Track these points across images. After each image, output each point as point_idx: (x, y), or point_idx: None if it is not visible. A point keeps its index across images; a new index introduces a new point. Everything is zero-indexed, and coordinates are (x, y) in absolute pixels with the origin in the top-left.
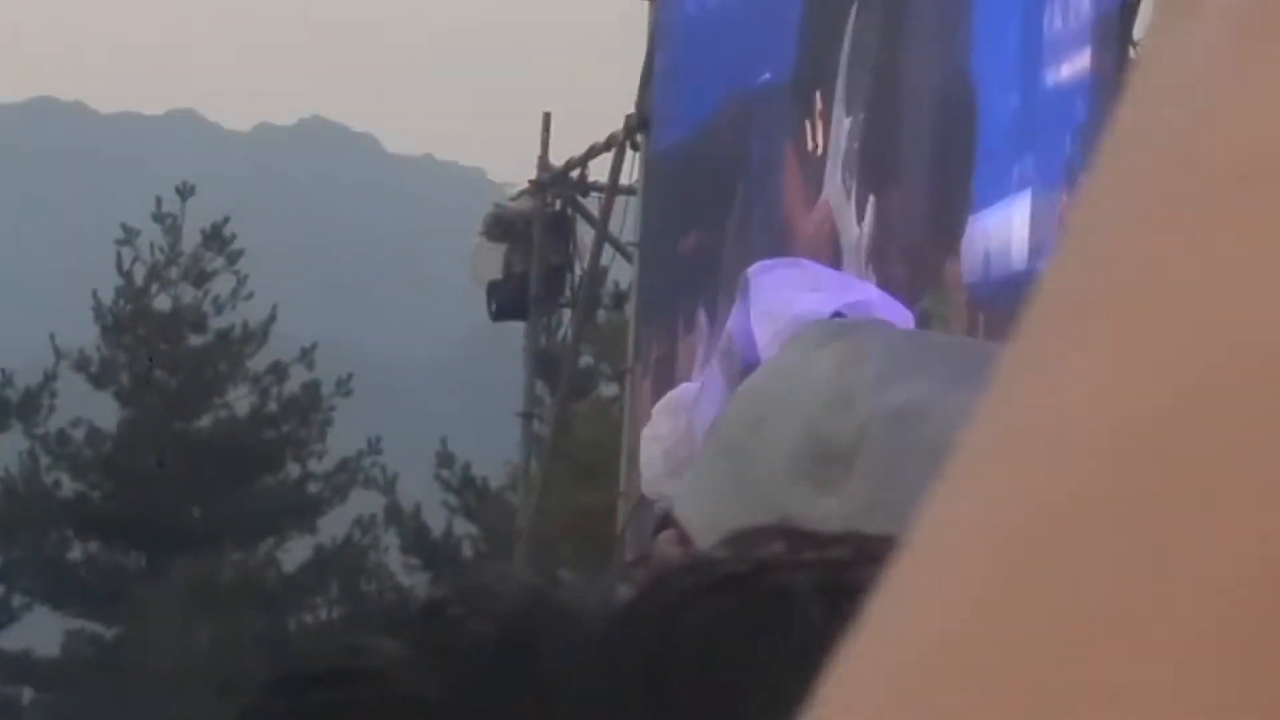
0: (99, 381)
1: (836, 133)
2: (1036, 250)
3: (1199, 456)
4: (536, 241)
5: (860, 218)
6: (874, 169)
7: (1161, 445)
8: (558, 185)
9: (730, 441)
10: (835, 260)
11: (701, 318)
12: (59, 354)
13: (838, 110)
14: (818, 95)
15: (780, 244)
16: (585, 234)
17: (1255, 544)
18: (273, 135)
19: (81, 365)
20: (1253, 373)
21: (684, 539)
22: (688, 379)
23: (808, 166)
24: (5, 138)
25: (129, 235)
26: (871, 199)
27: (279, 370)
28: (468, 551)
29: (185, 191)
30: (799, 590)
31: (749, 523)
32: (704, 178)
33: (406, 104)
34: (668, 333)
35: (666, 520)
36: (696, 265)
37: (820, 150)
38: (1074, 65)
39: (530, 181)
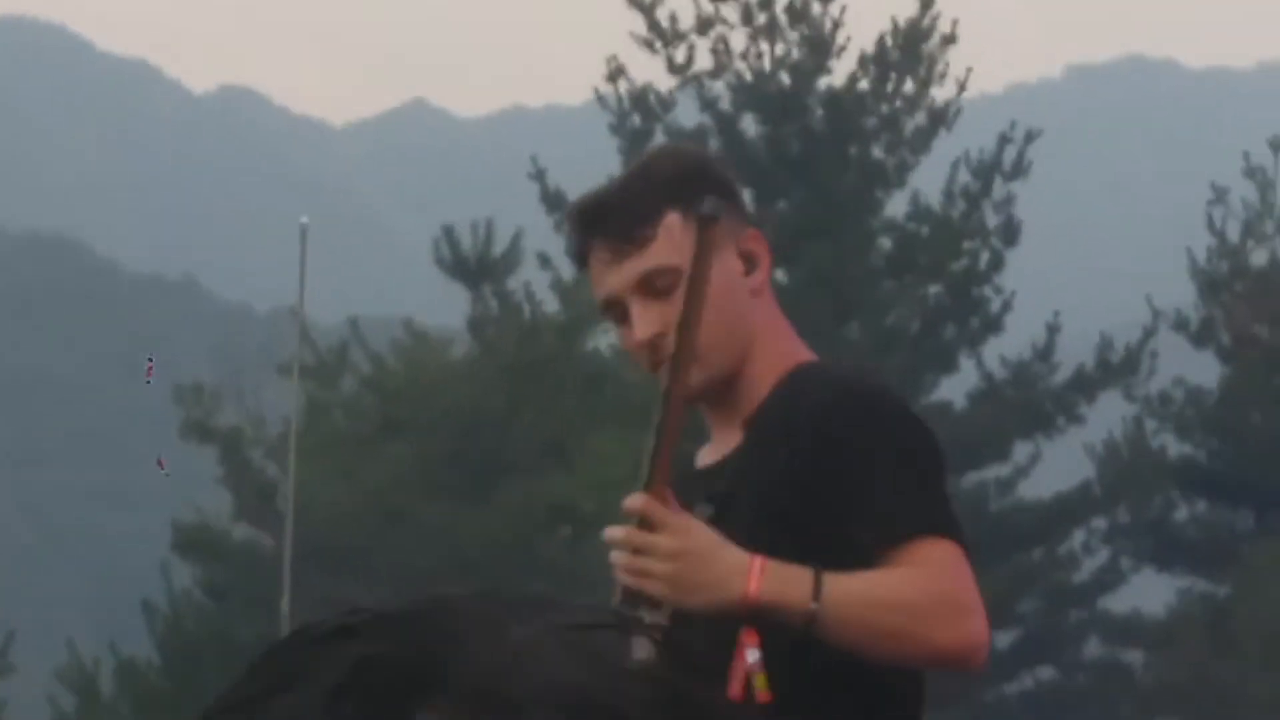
0: (1199, 340)
1: None
2: None
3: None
4: None
5: None
6: None
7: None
8: None
9: None
10: None
11: None
12: (1157, 314)
13: None
14: None
15: None
16: None
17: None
18: None
19: (1180, 325)
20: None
21: None
22: None
23: None
24: (1098, 98)
25: (1219, 194)
26: None
27: None
28: None
29: (1277, 144)
30: None
31: None
32: None
33: None
34: None
35: None
36: None
37: None
38: None
39: None
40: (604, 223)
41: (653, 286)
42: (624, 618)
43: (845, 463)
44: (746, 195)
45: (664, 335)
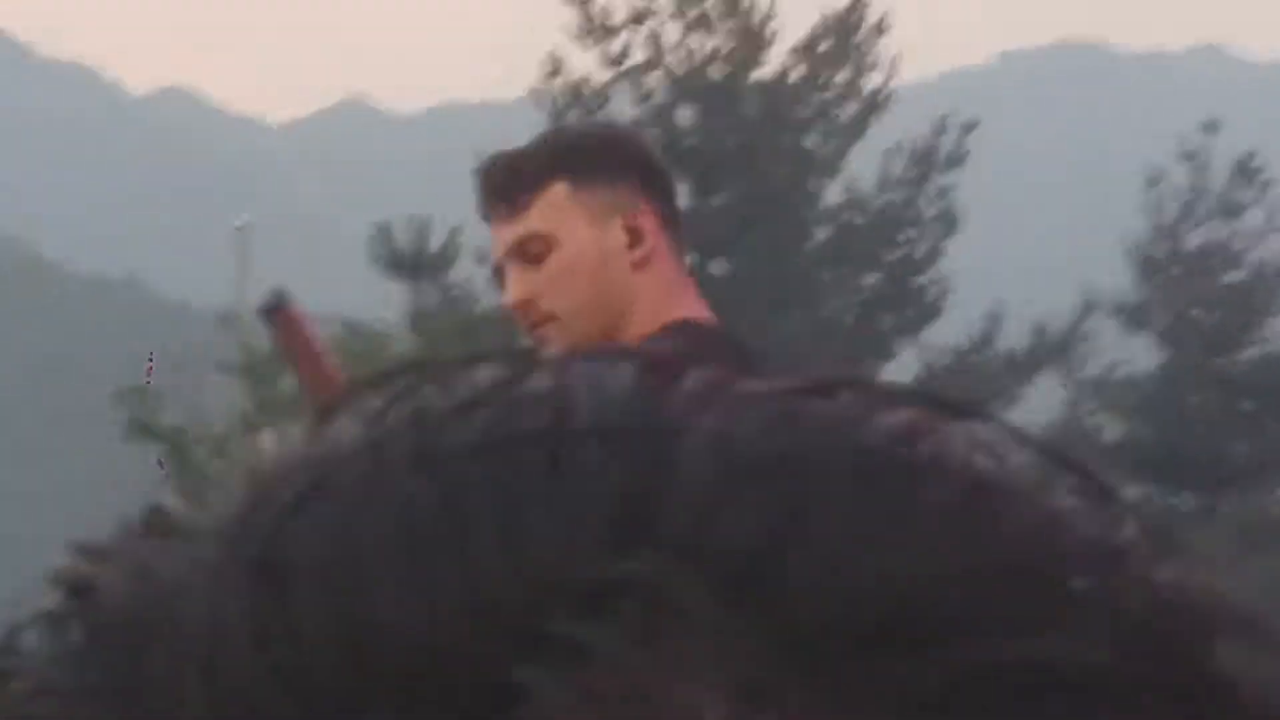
0: (1136, 323)
1: None
2: None
3: None
4: None
5: None
6: None
7: None
8: None
9: None
10: None
11: None
12: (1094, 298)
13: None
14: None
15: None
16: None
17: None
18: None
19: (1118, 309)
20: None
21: None
22: None
23: None
24: (1032, 84)
25: (1154, 177)
26: None
27: None
28: None
29: (1211, 127)
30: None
31: None
32: None
33: None
34: None
35: None
36: None
37: None
38: None
39: None
40: (497, 185)
41: (525, 252)
42: None
43: None
44: (683, 188)
45: (529, 303)
